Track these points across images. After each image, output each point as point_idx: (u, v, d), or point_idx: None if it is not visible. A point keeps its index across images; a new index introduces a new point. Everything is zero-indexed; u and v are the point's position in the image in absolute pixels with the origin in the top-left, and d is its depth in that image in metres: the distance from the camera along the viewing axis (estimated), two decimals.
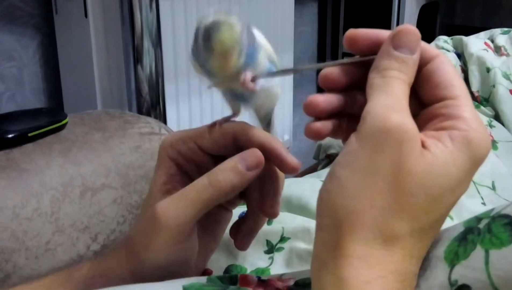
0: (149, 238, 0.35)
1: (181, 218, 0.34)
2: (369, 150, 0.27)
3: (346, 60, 0.32)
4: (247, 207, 0.40)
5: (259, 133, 0.36)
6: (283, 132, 1.54)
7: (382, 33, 0.31)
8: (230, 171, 0.34)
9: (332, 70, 0.32)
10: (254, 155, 0.35)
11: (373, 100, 0.28)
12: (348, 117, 0.33)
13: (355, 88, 0.32)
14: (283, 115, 1.52)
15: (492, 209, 0.29)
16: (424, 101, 0.30)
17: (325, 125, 0.32)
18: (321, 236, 0.28)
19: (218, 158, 0.37)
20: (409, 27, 0.29)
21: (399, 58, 0.29)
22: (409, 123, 0.27)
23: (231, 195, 0.35)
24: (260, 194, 0.38)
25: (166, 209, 0.34)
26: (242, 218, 0.40)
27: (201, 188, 0.34)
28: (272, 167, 0.37)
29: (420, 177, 0.27)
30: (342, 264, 0.26)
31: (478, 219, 0.29)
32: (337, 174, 0.28)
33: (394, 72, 0.29)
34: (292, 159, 0.36)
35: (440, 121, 0.29)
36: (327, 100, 0.32)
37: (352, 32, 0.31)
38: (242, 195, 0.39)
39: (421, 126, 0.29)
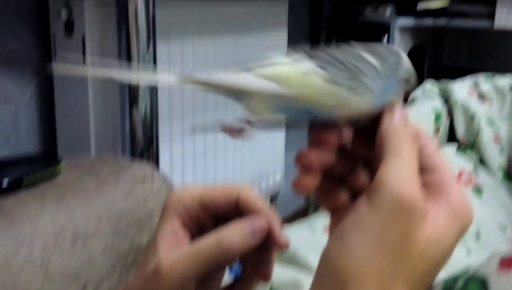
0: None
1: (186, 276, 0.35)
2: (381, 220, 0.29)
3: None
4: (242, 267, 0.41)
5: (260, 202, 0.37)
6: (275, 172, 1.55)
7: None
8: (238, 234, 0.35)
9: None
10: (260, 222, 0.36)
11: (386, 166, 0.30)
12: (339, 179, 0.34)
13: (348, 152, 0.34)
14: (275, 154, 1.54)
15: (467, 269, 0.30)
16: None
17: (312, 182, 0.33)
18: None
19: (218, 219, 0.38)
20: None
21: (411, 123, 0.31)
22: (419, 197, 0.29)
23: (235, 257, 0.36)
24: (256, 258, 0.39)
25: (171, 265, 0.35)
26: (237, 280, 0.41)
27: (208, 248, 0.35)
28: (270, 235, 0.38)
29: (422, 248, 0.29)
30: None
31: (455, 279, 0.30)
32: (347, 238, 0.29)
33: (406, 137, 0.31)
34: (283, 239, 0.37)
35: (435, 192, 0.30)
36: (317, 158, 0.33)
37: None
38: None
39: None
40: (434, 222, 0.29)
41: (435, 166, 0.31)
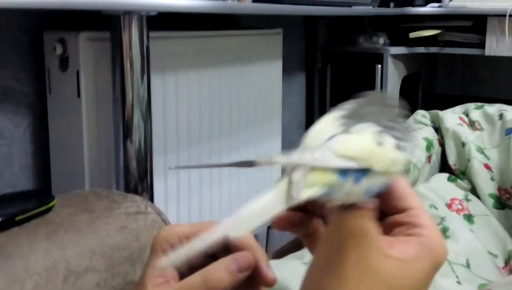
0: None
1: None
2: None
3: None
4: None
5: (248, 239, 0.38)
6: None
7: None
8: (223, 271, 0.36)
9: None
10: (246, 257, 0.37)
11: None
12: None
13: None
14: (271, 184, 1.53)
15: None
16: (386, 211, 0.34)
17: (292, 221, 0.36)
18: None
19: (207, 257, 0.38)
20: None
21: None
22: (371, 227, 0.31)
23: None
24: None
25: None
26: None
27: (195, 285, 0.36)
28: (257, 271, 0.39)
29: (386, 275, 0.30)
30: None
31: None
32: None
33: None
34: (270, 275, 0.38)
35: (407, 228, 0.32)
36: (289, 218, 0.36)
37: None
38: None
39: (386, 232, 0.33)
40: (403, 255, 0.30)
41: (411, 207, 0.33)
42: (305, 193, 0.27)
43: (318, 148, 0.27)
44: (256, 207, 0.28)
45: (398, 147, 0.28)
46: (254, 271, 0.38)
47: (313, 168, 0.27)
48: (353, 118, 0.29)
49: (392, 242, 0.31)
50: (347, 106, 0.31)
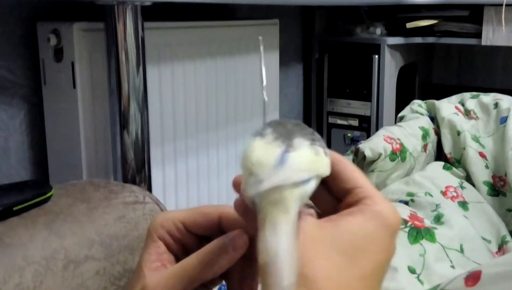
0: None
1: None
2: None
3: None
4: (227, 286, 0.42)
5: (242, 221, 0.39)
6: None
7: None
8: (219, 250, 0.36)
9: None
10: (240, 236, 0.37)
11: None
12: None
13: None
14: None
15: (438, 285, 0.31)
16: (338, 196, 0.35)
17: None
18: None
19: (203, 239, 0.39)
20: None
21: None
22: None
23: (218, 273, 0.37)
24: (240, 275, 0.39)
25: (156, 286, 0.36)
26: None
27: (190, 267, 0.36)
28: (253, 250, 0.39)
29: (325, 242, 0.31)
30: None
31: None
32: None
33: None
34: None
35: (354, 204, 0.33)
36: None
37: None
38: (223, 274, 0.41)
39: None
40: (340, 223, 0.32)
41: (358, 185, 0.34)
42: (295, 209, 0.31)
43: (279, 169, 0.30)
44: (284, 247, 0.30)
45: (326, 153, 0.33)
46: (250, 253, 0.38)
47: (283, 187, 0.30)
48: (284, 138, 0.32)
49: (332, 218, 0.32)
50: (268, 131, 0.33)
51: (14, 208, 0.56)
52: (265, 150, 0.31)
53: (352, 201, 0.33)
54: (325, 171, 0.32)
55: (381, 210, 0.32)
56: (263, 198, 0.30)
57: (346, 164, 0.35)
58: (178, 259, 0.38)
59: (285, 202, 0.30)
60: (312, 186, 0.31)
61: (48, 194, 0.60)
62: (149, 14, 1.02)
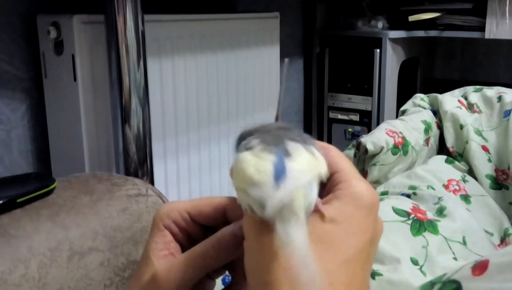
0: None
1: (183, 281, 0.36)
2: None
3: None
4: (232, 277, 0.42)
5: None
6: None
7: None
8: (229, 237, 0.37)
9: None
10: None
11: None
12: None
13: None
14: None
15: (444, 274, 0.31)
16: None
17: None
18: None
19: (208, 229, 0.39)
20: None
21: None
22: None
23: (227, 260, 0.37)
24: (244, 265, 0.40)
25: (167, 273, 0.36)
26: (227, 287, 0.42)
27: (201, 253, 0.37)
28: None
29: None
30: None
31: (432, 283, 0.31)
32: None
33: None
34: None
35: (331, 190, 0.33)
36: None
37: None
38: (227, 265, 0.41)
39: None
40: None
41: (338, 170, 0.34)
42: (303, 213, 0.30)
43: (280, 184, 0.29)
44: (303, 259, 0.29)
45: (319, 151, 0.33)
46: None
47: (290, 203, 0.29)
48: (273, 146, 0.31)
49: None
50: (255, 142, 0.32)
51: (18, 200, 0.56)
52: (258, 165, 0.29)
53: (331, 187, 0.33)
54: (325, 171, 0.32)
55: (355, 192, 0.32)
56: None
57: (329, 148, 0.35)
58: (183, 248, 0.38)
59: (294, 213, 0.29)
60: (315, 191, 0.31)
61: (52, 186, 0.60)
62: (150, 6, 1.02)
